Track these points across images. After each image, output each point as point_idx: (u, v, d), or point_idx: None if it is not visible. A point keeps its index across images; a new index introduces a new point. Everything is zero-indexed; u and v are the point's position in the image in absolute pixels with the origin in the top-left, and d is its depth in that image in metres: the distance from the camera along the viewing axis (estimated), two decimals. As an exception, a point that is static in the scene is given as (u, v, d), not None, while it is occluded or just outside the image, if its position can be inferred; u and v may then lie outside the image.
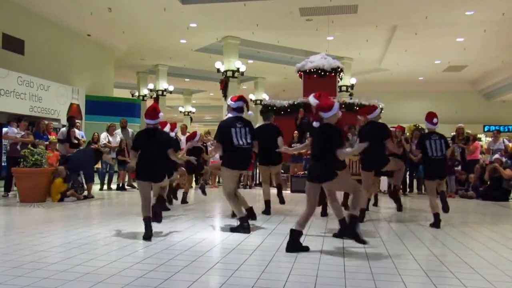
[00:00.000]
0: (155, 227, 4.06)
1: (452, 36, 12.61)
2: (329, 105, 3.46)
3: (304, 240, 3.71)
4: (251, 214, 4.57)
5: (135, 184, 8.96)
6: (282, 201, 5.45)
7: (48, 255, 3.05)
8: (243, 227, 4.02)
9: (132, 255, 3.13)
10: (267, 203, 5.42)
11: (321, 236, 3.94)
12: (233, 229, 4.10)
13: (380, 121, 4.94)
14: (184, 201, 6.31)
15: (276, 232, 4.11)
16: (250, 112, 4.40)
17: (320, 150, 3.43)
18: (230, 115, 4.30)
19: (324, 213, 5.15)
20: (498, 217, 5.49)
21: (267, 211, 5.38)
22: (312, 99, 3.84)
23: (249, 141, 4.13)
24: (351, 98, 11.88)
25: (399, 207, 5.62)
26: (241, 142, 4.06)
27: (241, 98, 4.26)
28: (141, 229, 4.21)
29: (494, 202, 7.07)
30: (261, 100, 17.83)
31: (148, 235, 3.71)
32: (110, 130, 8.49)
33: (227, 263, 2.98)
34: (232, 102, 4.27)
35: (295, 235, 3.35)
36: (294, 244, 3.33)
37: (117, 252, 3.20)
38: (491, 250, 3.53)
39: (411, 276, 2.71)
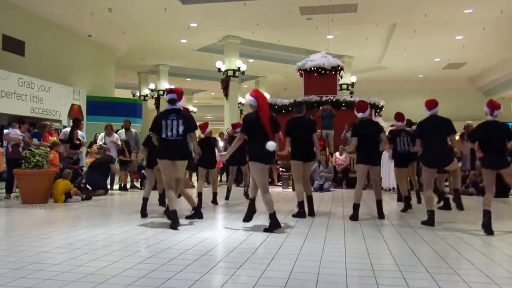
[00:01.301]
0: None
1: (451, 33, 12.61)
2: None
3: (305, 237, 3.73)
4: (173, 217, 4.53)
5: (137, 184, 8.99)
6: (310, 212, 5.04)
7: (50, 256, 3.05)
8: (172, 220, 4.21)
9: (134, 255, 3.14)
10: (301, 205, 4.93)
11: (322, 233, 3.96)
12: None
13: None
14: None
15: (278, 231, 4.11)
16: (179, 103, 4.39)
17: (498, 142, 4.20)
18: (166, 107, 4.37)
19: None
20: (498, 213, 5.47)
21: (300, 214, 4.89)
22: (248, 97, 4.12)
23: (180, 132, 4.19)
24: (351, 96, 11.89)
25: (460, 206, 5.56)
26: (169, 134, 4.19)
27: (171, 90, 4.37)
28: (143, 229, 4.24)
29: (494, 199, 7.05)
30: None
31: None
32: (107, 131, 8.39)
33: (229, 261, 2.99)
34: (166, 95, 4.41)
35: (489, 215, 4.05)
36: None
37: (120, 253, 3.20)
38: (492, 246, 3.54)
39: (412, 272, 2.72)
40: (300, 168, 4.99)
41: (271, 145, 3.89)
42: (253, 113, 4.12)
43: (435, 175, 4.83)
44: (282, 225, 4.15)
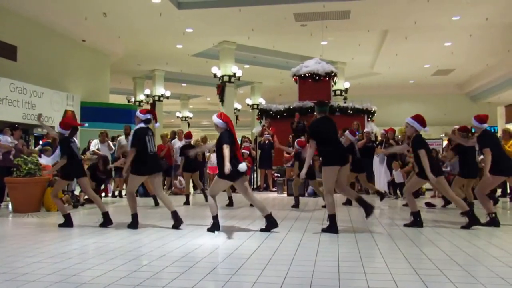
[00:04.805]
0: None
1: (440, 40, 12.86)
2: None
3: (300, 242, 3.75)
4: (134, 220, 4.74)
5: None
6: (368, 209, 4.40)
7: (43, 266, 3.01)
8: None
9: (128, 263, 3.12)
10: (332, 218, 4.25)
11: (316, 237, 3.99)
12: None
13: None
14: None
15: (273, 236, 4.14)
16: (157, 124, 4.89)
17: None
18: (141, 125, 4.77)
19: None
20: (483, 215, 5.56)
21: (331, 228, 4.24)
22: (217, 120, 4.46)
23: (155, 149, 4.85)
24: (345, 102, 12.00)
25: None
26: (151, 149, 4.71)
27: (149, 111, 4.86)
28: (138, 237, 4.22)
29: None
30: (257, 105, 17.91)
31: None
32: (101, 138, 8.39)
33: (224, 268, 3.00)
34: (142, 115, 4.80)
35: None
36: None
37: (114, 261, 3.18)
38: (477, 247, 3.64)
39: (401, 274, 2.77)
40: (335, 175, 4.25)
41: (242, 167, 4.20)
42: (227, 132, 4.36)
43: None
44: (277, 228, 4.41)
